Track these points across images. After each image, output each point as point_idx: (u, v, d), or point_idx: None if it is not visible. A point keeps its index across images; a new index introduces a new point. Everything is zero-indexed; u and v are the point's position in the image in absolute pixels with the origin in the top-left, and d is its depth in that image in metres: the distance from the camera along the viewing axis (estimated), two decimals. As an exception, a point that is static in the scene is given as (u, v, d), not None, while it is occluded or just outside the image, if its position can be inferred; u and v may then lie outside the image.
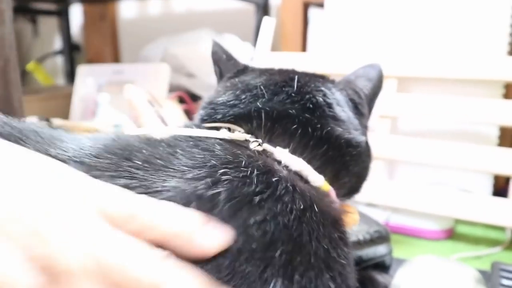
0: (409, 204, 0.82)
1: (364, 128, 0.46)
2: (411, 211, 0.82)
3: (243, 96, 0.41)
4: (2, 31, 0.69)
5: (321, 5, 1.12)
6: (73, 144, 0.34)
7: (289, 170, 0.36)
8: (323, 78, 0.48)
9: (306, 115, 0.39)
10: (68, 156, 0.32)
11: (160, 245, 0.27)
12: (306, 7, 1.22)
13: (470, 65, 0.84)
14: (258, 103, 0.39)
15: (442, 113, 0.84)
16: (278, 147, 0.37)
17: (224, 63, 0.53)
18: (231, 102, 0.41)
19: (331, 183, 0.39)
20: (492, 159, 0.79)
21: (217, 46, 0.54)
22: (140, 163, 0.31)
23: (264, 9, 1.39)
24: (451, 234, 0.85)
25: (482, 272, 0.61)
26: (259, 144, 0.36)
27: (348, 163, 0.42)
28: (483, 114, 0.82)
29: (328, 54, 1.03)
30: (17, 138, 0.33)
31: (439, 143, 0.81)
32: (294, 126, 0.39)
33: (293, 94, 0.40)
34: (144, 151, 0.32)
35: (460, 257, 0.75)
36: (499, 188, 0.92)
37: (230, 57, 0.52)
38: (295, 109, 0.39)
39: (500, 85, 0.88)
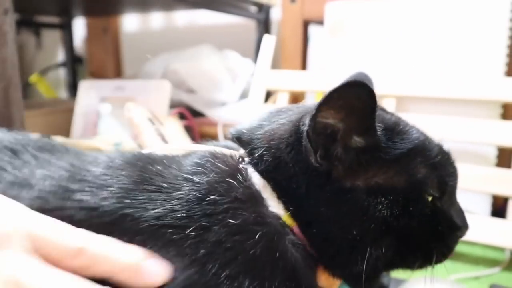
0: (407, 224, 0.82)
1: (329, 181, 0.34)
2: (409, 231, 0.82)
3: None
4: (5, 53, 0.70)
5: (321, 22, 1.13)
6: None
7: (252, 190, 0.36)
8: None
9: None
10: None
11: (108, 278, 0.29)
12: (306, 24, 1.23)
13: (468, 85, 0.85)
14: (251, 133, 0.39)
15: (440, 133, 0.84)
16: (250, 166, 0.37)
17: None
18: None
19: (299, 224, 0.35)
20: (491, 179, 0.80)
21: None
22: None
23: (265, 25, 1.40)
24: (450, 254, 0.85)
25: (480, 295, 0.62)
26: (241, 158, 0.37)
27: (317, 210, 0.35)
28: (481, 134, 0.82)
29: (328, 72, 1.04)
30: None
31: (437, 163, 0.82)
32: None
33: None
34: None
35: (459, 277, 0.75)
36: (498, 208, 0.92)
37: None
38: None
39: (497, 105, 0.88)
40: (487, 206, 0.90)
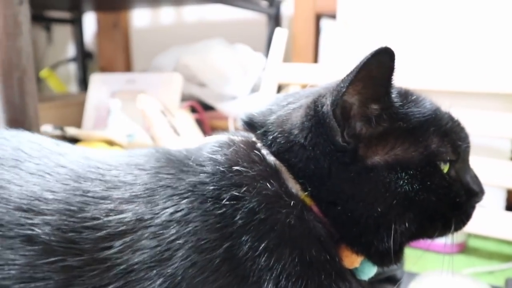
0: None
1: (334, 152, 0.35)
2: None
3: None
4: (19, 43, 0.70)
5: (333, 16, 1.13)
6: None
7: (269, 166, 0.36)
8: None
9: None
10: None
11: None
12: (318, 18, 1.23)
13: (482, 78, 0.84)
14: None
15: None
16: (264, 148, 0.37)
17: None
18: None
19: (318, 203, 0.35)
20: (505, 173, 0.79)
21: None
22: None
23: (276, 20, 1.40)
24: (463, 248, 0.84)
25: (495, 288, 0.61)
26: (253, 142, 0.38)
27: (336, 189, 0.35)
28: (496, 127, 0.81)
29: (340, 65, 1.03)
30: None
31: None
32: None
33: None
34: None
35: (473, 272, 0.75)
36: (512, 202, 0.91)
37: None
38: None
39: (513, 99, 0.87)
40: (501, 201, 0.89)
